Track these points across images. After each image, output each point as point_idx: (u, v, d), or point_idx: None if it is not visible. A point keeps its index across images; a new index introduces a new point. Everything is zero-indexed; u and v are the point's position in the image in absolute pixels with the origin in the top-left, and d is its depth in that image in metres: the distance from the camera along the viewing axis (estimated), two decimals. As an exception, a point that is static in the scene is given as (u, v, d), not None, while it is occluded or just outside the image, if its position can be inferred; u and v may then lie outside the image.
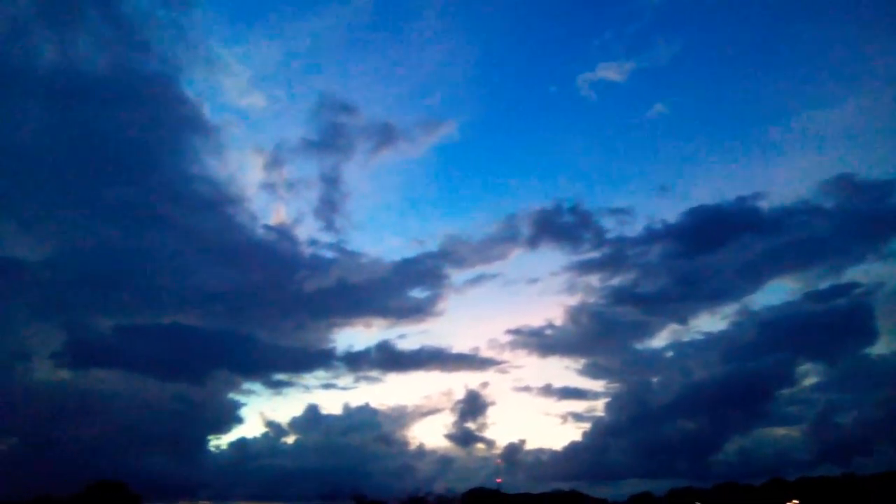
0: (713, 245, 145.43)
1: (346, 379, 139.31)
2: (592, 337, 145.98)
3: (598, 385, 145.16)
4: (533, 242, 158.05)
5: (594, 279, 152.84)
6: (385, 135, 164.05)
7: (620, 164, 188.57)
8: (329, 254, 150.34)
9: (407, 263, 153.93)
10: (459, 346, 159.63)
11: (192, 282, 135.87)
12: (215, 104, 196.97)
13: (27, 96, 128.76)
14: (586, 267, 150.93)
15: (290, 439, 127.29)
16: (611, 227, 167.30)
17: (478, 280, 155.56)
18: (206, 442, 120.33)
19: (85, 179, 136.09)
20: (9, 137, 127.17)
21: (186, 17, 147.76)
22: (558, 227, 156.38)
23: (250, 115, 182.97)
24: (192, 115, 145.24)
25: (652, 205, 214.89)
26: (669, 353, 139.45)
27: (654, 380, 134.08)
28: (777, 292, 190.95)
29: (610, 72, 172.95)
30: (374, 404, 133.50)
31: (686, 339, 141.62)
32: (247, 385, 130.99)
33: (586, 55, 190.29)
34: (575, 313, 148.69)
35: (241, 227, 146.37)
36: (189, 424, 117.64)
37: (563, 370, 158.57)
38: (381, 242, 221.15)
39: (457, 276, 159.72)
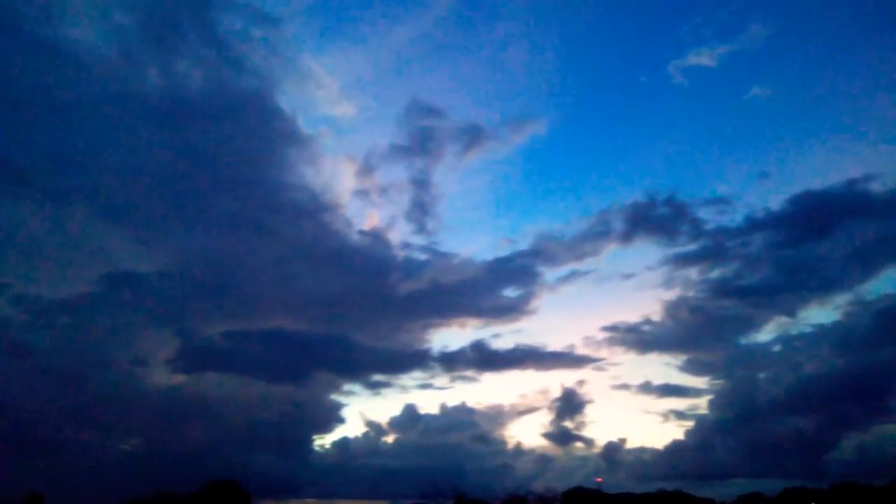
0: (821, 232, 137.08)
1: (442, 379, 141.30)
2: (693, 332, 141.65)
3: (700, 382, 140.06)
4: (627, 237, 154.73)
5: (693, 272, 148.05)
6: (473, 136, 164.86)
7: (716, 151, 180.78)
8: (422, 256, 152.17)
9: (499, 263, 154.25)
10: (554, 344, 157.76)
11: (294, 287, 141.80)
12: (308, 115, 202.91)
13: (137, 119, 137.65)
14: (684, 260, 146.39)
15: (389, 438, 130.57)
16: (708, 217, 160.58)
17: (571, 277, 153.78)
18: (310, 441, 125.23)
19: (192, 194, 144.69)
20: (122, 158, 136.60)
21: (278, 33, 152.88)
22: (653, 220, 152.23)
23: (341, 124, 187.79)
24: (286, 127, 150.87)
25: (752, 193, 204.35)
26: (777, 347, 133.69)
27: (761, 375, 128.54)
28: (893, 280, 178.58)
29: (701, 57, 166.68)
30: (470, 403, 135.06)
31: (794, 331, 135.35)
32: (347, 386, 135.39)
33: (676, 42, 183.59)
34: (673, 308, 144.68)
35: (337, 233, 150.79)
36: (294, 425, 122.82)
37: (663, 367, 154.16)
38: (472, 243, 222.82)
39: (549, 273, 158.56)
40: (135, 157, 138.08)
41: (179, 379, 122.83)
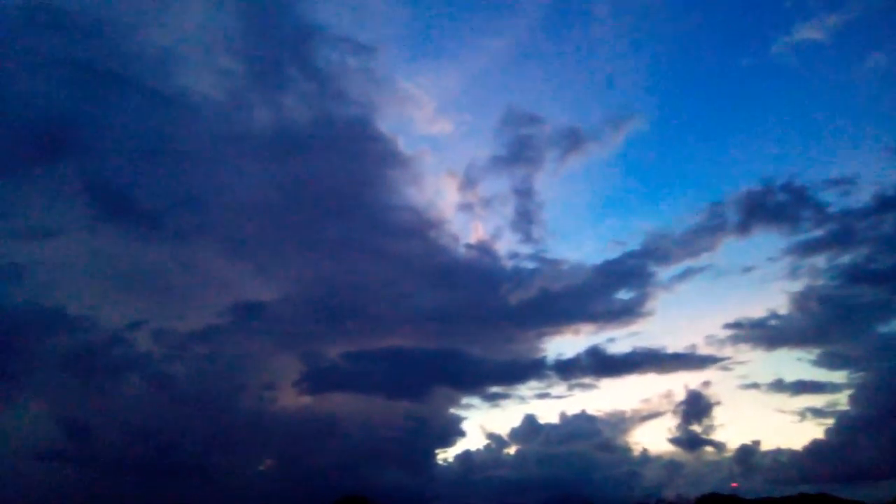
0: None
1: (559, 387, 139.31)
2: (825, 324, 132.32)
3: (838, 376, 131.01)
4: (743, 228, 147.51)
5: (820, 260, 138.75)
6: (572, 139, 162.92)
7: (833, 130, 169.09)
8: (530, 264, 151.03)
9: (609, 265, 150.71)
10: (674, 345, 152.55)
11: (407, 305, 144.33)
12: (408, 136, 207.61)
13: (249, 157, 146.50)
14: (809, 248, 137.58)
15: (511, 450, 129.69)
16: (832, 200, 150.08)
17: (686, 275, 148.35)
18: (433, 455, 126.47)
19: (305, 223, 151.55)
20: (239, 195, 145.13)
21: (373, 60, 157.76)
22: (771, 208, 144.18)
23: (440, 142, 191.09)
24: (388, 150, 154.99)
25: (878, 169, 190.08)
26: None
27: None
28: None
29: (809, 31, 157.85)
30: (590, 411, 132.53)
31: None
32: (465, 399, 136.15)
33: (779, 18, 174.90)
34: (801, 299, 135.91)
35: (445, 249, 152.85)
36: (417, 440, 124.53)
37: (795, 363, 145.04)
38: (580, 247, 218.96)
39: (663, 273, 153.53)
40: (250, 193, 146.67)
41: (306, 400, 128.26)
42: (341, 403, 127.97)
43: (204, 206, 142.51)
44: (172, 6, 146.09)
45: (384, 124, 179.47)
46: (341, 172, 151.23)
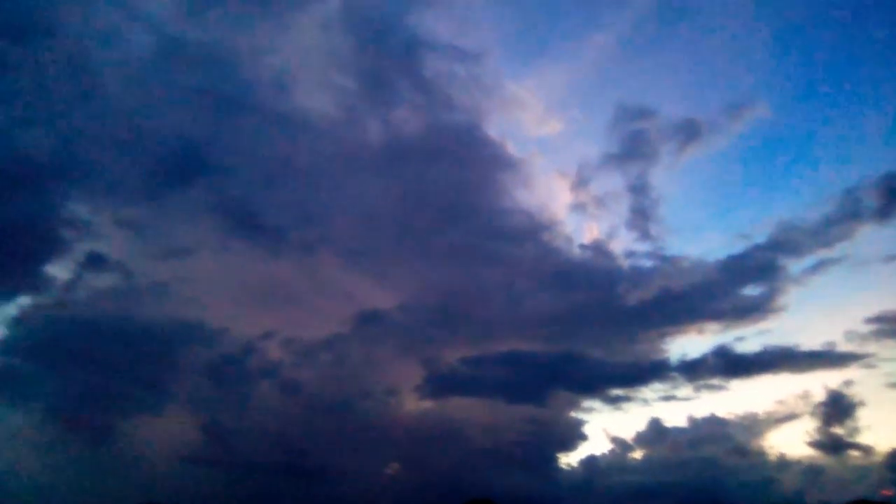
0: None
1: (685, 389, 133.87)
2: None
3: None
4: (882, 214, 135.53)
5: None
6: (688, 131, 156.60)
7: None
8: (648, 263, 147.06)
9: (733, 260, 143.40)
10: (809, 342, 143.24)
11: (523, 309, 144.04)
12: (517, 139, 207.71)
13: (364, 170, 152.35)
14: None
15: (636, 454, 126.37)
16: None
17: (820, 267, 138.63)
18: (555, 460, 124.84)
19: (419, 231, 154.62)
20: (355, 207, 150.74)
21: (479, 66, 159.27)
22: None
23: (550, 142, 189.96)
24: (498, 155, 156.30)
25: None
26: None
27: None
28: None
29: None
30: (720, 413, 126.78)
31: None
32: (586, 403, 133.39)
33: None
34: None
35: (559, 251, 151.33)
36: (538, 443, 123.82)
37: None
38: (701, 243, 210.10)
39: (794, 265, 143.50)
40: (366, 205, 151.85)
41: (427, 405, 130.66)
42: (462, 408, 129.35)
43: (325, 219, 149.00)
44: (287, 30, 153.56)
45: (493, 129, 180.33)
46: (453, 179, 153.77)
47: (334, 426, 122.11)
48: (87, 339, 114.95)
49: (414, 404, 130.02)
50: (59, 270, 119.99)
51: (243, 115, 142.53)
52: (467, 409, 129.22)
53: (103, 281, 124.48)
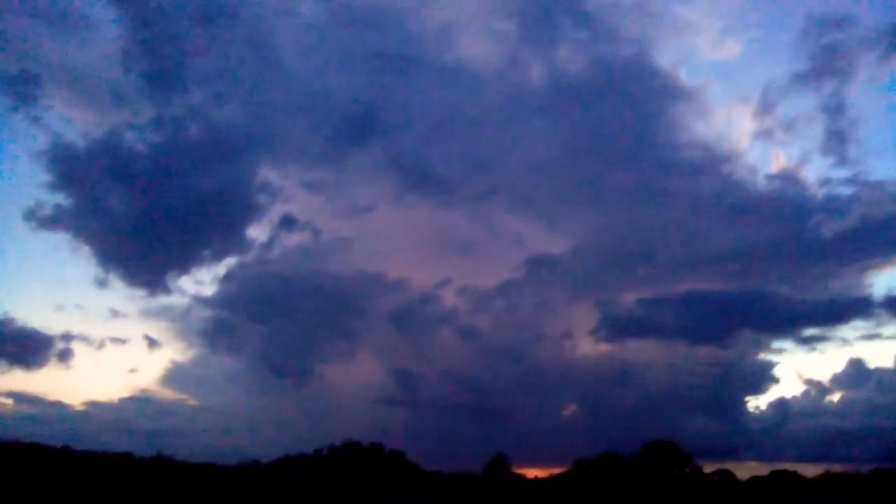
0: None
1: (891, 327, 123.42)
2: None
3: None
4: None
5: None
6: (893, 37, 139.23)
7: None
8: (846, 190, 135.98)
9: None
10: None
11: (701, 247, 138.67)
12: (690, 67, 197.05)
13: (530, 114, 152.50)
14: None
15: (834, 397, 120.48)
16: None
17: None
18: (743, 403, 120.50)
19: (589, 173, 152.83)
20: (523, 153, 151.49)
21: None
22: None
23: (728, 67, 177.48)
24: (669, 86, 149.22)
25: None
26: None
27: None
28: None
29: None
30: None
31: None
32: (776, 344, 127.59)
33: None
34: None
35: (741, 184, 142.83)
36: (723, 386, 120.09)
37: None
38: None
39: None
40: (534, 150, 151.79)
41: (604, 348, 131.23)
42: (640, 350, 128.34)
43: (494, 167, 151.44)
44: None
45: (663, 58, 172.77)
46: (622, 115, 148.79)
47: (511, 369, 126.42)
48: (284, 293, 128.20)
49: (590, 347, 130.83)
50: (257, 232, 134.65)
51: (411, 71, 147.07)
52: (645, 352, 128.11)
53: (295, 239, 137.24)
